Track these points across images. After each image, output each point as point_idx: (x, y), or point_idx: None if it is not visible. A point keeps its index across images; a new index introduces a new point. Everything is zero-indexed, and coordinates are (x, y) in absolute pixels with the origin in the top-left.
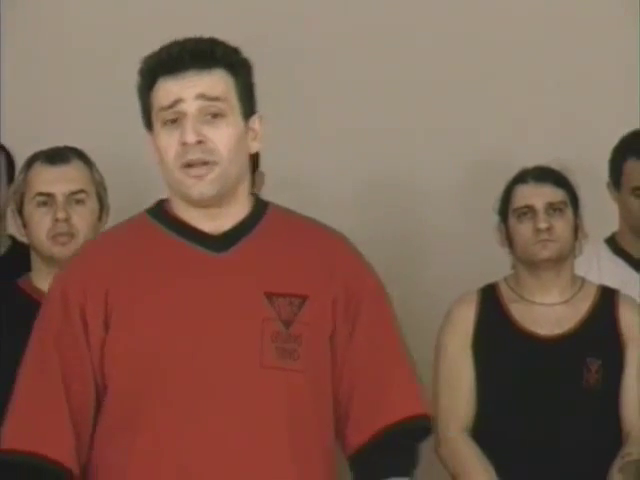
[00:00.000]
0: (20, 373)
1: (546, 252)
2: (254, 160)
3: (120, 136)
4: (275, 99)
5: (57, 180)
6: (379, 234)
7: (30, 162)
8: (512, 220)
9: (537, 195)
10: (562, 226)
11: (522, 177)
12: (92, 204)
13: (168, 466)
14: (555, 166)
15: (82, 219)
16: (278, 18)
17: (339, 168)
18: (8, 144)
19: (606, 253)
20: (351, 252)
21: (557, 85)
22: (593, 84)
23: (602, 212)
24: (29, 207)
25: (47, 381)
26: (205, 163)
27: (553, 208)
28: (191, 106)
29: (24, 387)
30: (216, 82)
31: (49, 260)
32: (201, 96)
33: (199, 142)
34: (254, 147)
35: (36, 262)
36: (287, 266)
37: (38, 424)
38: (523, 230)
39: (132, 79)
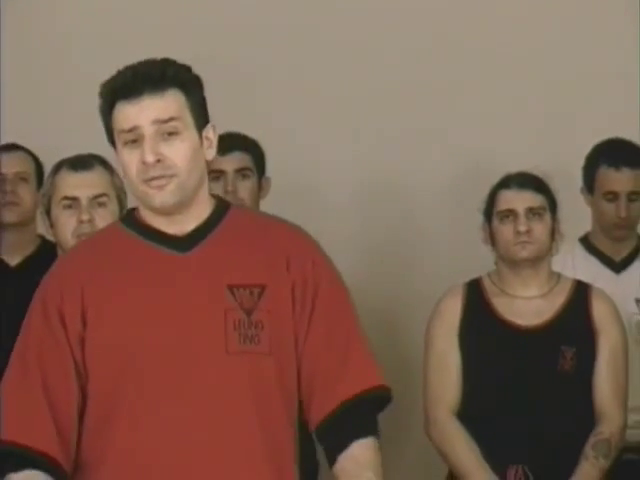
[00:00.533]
0: (5, 375)
1: (525, 252)
2: (261, 166)
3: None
4: (280, 107)
5: (81, 185)
6: (375, 236)
7: (56, 169)
8: (495, 221)
9: (519, 200)
10: (540, 229)
11: (506, 183)
12: (113, 206)
13: (145, 455)
14: (536, 173)
15: (104, 220)
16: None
17: (337, 175)
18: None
19: (580, 251)
20: (307, 243)
21: (540, 94)
22: (572, 94)
23: (577, 213)
24: (56, 209)
25: (29, 379)
26: (163, 177)
27: (533, 212)
28: (148, 130)
29: (10, 386)
30: (169, 103)
31: None
32: (156, 121)
33: (158, 161)
34: (210, 154)
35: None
36: (246, 259)
37: (23, 419)
38: (505, 231)
39: None
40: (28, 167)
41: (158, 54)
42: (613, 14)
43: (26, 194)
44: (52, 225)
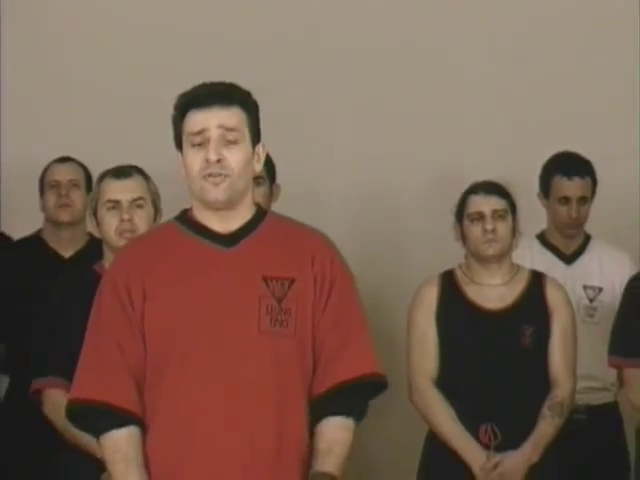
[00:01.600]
0: (86, 338)
1: (491, 250)
2: (272, 174)
3: (119, 138)
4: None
5: (122, 190)
6: (365, 234)
7: (102, 177)
8: (466, 222)
9: (486, 204)
10: (504, 228)
11: (474, 189)
12: (148, 208)
13: (185, 408)
14: (499, 181)
15: (141, 219)
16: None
17: (332, 182)
18: (8, 144)
19: (537, 246)
20: (328, 246)
21: (505, 112)
22: (528, 114)
23: (534, 214)
24: (101, 211)
25: (107, 346)
26: (220, 175)
27: (497, 214)
28: (214, 133)
29: (90, 354)
30: (233, 116)
31: (116, 250)
32: (221, 126)
33: (218, 161)
34: (257, 167)
35: (107, 252)
36: (279, 257)
37: (102, 378)
38: (474, 230)
39: (128, 83)
40: (79, 175)
41: (156, 54)
42: (580, 28)
43: (77, 198)
44: (98, 224)
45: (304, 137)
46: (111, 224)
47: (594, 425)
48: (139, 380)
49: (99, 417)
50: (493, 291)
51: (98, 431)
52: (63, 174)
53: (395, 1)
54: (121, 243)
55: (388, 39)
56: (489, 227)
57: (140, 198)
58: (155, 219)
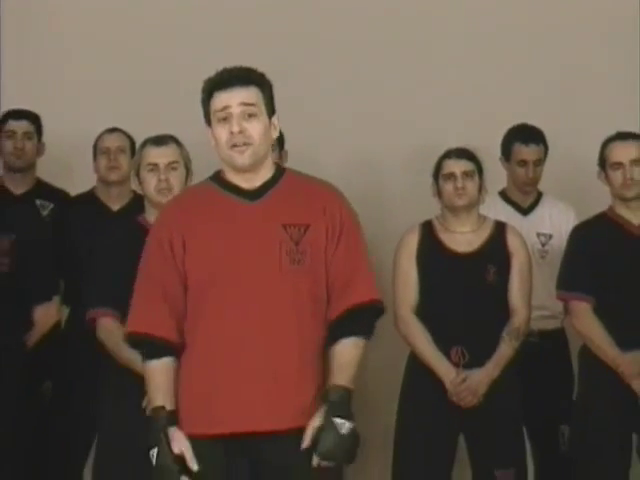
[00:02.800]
0: (136, 282)
1: (461, 201)
2: (281, 142)
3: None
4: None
5: (160, 155)
6: (355, 198)
7: (143, 144)
8: (441, 181)
9: (457, 166)
10: (471, 186)
11: (448, 154)
12: (181, 170)
13: (220, 338)
14: (469, 148)
15: (175, 179)
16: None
17: (326, 152)
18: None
19: (499, 201)
20: (337, 197)
21: (473, 91)
22: (496, 90)
23: (497, 175)
24: (143, 172)
25: (153, 288)
26: (244, 144)
27: (466, 174)
28: (235, 109)
29: (140, 294)
30: (251, 94)
31: (156, 205)
32: (241, 103)
33: (240, 132)
34: (274, 134)
35: (147, 206)
36: (296, 207)
37: (147, 315)
38: (448, 187)
39: (128, 67)
40: (125, 143)
41: (159, 38)
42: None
43: (124, 161)
44: (140, 183)
45: (306, 113)
46: (151, 183)
47: (545, 347)
48: (179, 316)
49: (144, 346)
50: (463, 237)
51: (143, 358)
52: (112, 142)
53: None
54: (159, 199)
55: (373, 17)
56: (459, 185)
57: (174, 162)
58: (187, 179)
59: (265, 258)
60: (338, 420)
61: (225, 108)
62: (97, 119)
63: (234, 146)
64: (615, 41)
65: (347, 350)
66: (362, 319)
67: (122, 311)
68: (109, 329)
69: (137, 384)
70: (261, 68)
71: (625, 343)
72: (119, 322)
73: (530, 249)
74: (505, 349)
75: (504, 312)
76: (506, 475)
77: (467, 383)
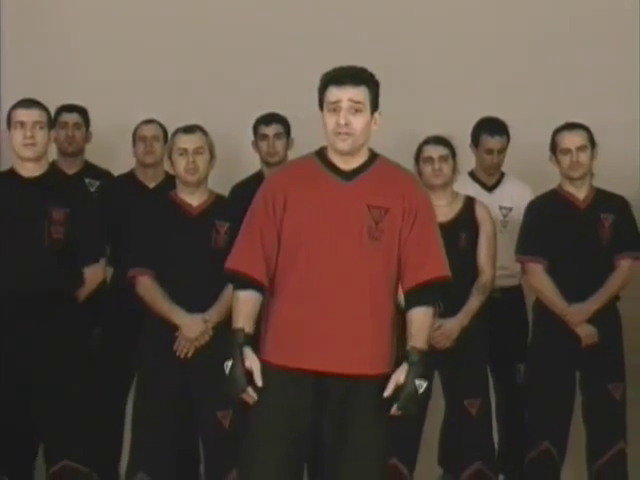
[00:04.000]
0: (242, 227)
1: (438, 180)
2: (289, 132)
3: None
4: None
5: (189, 141)
6: None
7: (175, 132)
8: (421, 163)
9: (434, 151)
10: (446, 168)
11: (427, 141)
12: (207, 154)
13: (306, 286)
14: (444, 135)
15: (201, 162)
16: None
17: (319, 138)
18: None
19: (469, 180)
20: (416, 186)
21: (449, 87)
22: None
23: (468, 158)
24: (174, 155)
25: (253, 234)
26: (347, 134)
27: (442, 158)
28: (345, 104)
29: (241, 237)
30: (360, 93)
31: (184, 183)
32: (350, 100)
33: (346, 124)
34: (374, 128)
35: (178, 184)
36: (380, 191)
37: (248, 257)
38: (427, 169)
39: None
40: (159, 132)
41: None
42: None
43: (159, 147)
44: (172, 164)
45: (307, 105)
46: (181, 165)
47: (505, 300)
48: (269, 263)
49: (237, 280)
50: (439, 210)
51: (234, 289)
52: (148, 131)
53: None
54: (188, 178)
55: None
56: (436, 167)
57: (201, 147)
58: (211, 162)
59: (348, 231)
60: (417, 381)
61: (336, 102)
62: (134, 112)
63: (339, 134)
64: (587, 36)
65: (421, 317)
66: (432, 291)
67: (156, 270)
68: (146, 285)
69: (169, 332)
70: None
71: (570, 297)
72: (154, 279)
73: (495, 219)
74: (473, 302)
75: (473, 271)
76: (473, 403)
77: (442, 329)
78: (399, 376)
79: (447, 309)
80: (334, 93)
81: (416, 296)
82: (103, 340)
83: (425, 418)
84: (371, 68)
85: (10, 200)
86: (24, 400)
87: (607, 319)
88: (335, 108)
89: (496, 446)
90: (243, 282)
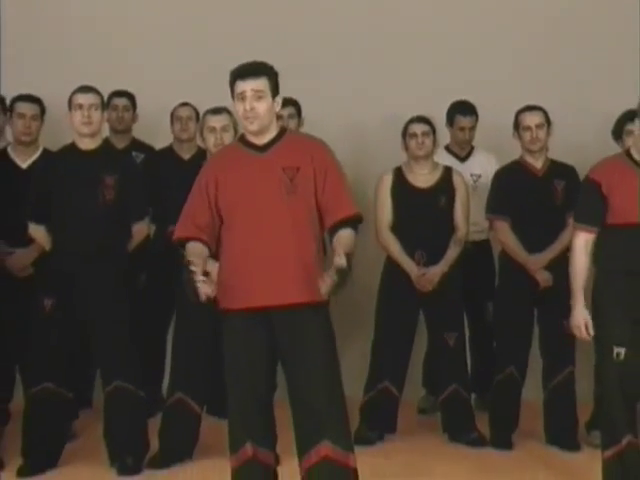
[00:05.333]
0: (184, 206)
1: (421, 152)
2: (299, 112)
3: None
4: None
5: (217, 121)
6: (350, 151)
7: (205, 113)
8: (407, 139)
9: (418, 128)
10: (428, 142)
11: (412, 120)
12: (231, 132)
13: (242, 246)
14: (425, 116)
15: (227, 138)
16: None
17: (329, 118)
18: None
19: (445, 153)
20: (322, 147)
21: (430, 75)
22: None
23: (444, 135)
24: (205, 132)
25: (195, 208)
26: (253, 117)
27: (425, 134)
28: (249, 93)
29: (186, 209)
30: (260, 83)
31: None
32: (253, 89)
33: (252, 109)
34: (277, 109)
35: (208, 156)
36: (292, 156)
37: (186, 225)
38: (412, 143)
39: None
40: (193, 113)
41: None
42: None
43: (192, 126)
44: (203, 140)
45: (313, 92)
46: (210, 140)
47: (477, 251)
48: (204, 229)
49: (184, 242)
50: (422, 177)
51: (183, 249)
52: (183, 112)
53: None
54: (216, 151)
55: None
56: (420, 141)
57: (227, 125)
58: (234, 137)
59: (270, 190)
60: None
61: (242, 92)
62: (173, 97)
63: (247, 118)
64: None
65: (344, 234)
66: (350, 224)
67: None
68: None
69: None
70: (276, 60)
71: (530, 248)
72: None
73: (468, 184)
74: (451, 253)
75: (451, 228)
76: (451, 336)
77: (426, 276)
78: (337, 262)
79: (429, 259)
80: (240, 85)
81: (338, 228)
82: (147, 283)
83: (412, 349)
84: (371, 65)
85: (71, 168)
86: (86, 332)
87: (560, 266)
88: (242, 97)
89: (469, 371)
90: (190, 240)
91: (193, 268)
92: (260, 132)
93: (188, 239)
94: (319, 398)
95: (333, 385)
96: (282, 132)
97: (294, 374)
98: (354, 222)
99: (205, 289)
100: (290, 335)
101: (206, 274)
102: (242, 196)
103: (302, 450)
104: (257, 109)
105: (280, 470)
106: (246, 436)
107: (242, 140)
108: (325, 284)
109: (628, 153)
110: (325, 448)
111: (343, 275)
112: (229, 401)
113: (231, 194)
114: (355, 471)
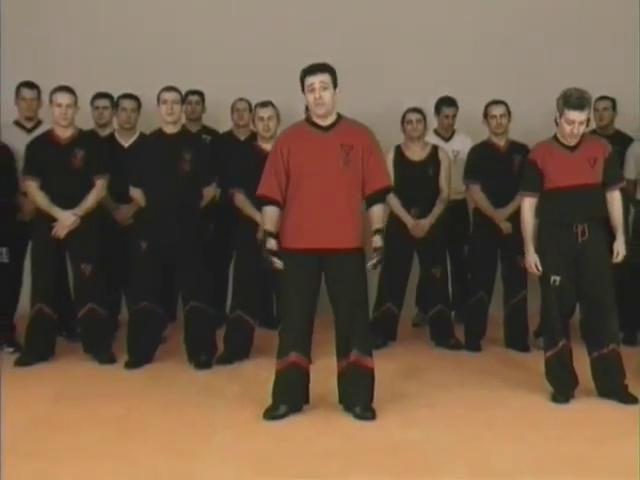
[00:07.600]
0: (264, 169)
1: (415, 133)
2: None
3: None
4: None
5: (264, 112)
6: None
7: (256, 106)
8: (405, 124)
9: (413, 116)
10: (421, 127)
11: (409, 110)
12: (276, 120)
13: (307, 201)
14: (419, 107)
15: (273, 125)
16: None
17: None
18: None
19: (433, 135)
20: (367, 132)
21: (424, 70)
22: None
23: (431, 120)
24: (256, 120)
25: (275, 169)
26: (320, 104)
27: (418, 120)
28: (317, 85)
29: (265, 173)
30: (325, 77)
31: (263, 138)
32: (321, 82)
33: (320, 97)
34: (337, 99)
35: (259, 138)
36: (346, 136)
37: (274, 181)
38: (409, 128)
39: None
40: (247, 105)
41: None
42: None
43: (246, 115)
44: (255, 126)
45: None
46: (260, 126)
47: (456, 207)
48: (282, 187)
49: (263, 200)
50: (416, 153)
51: (262, 207)
52: (241, 104)
53: None
54: (264, 134)
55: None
56: (414, 126)
57: (271, 116)
58: (278, 125)
59: (330, 161)
60: (381, 243)
61: (312, 84)
62: (231, 93)
63: (317, 104)
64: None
65: (378, 212)
66: (383, 194)
67: (247, 189)
68: (241, 199)
69: (255, 227)
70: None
71: (496, 205)
72: (246, 195)
73: (449, 159)
74: (437, 209)
75: (437, 190)
76: (437, 270)
77: (419, 225)
78: (376, 243)
79: (421, 213)
80: (309, 79)
81: (374, 198)
82: (214, 231)
83: (408, 278)
84: (371, 62)
85: (159, 147)
86: (170, 265)
87: (517, 218)
88: (312, 89)
89: (450, 295)
90: (268, 201)
91: (270, 247)
92: (325, 115)
93: (267, 198)
94: (355, 319)
95: (364, 309)
96: (339, 118)
97: (340, 299)
98: (387, 192)
99: (277, 265)
100: (338, 270)
101: (272, 252)
102: (309, 163)
103: (339, 355)
104: (324, 97)
105: (312, 367)
106: (292, 346)
107: (308, 121)
108: (371, 262)
109: (556, 137)
110: (354, 355)
111: (381, 252)
112: (282, 318)
113: (300, 160)
114: (372, 370)
